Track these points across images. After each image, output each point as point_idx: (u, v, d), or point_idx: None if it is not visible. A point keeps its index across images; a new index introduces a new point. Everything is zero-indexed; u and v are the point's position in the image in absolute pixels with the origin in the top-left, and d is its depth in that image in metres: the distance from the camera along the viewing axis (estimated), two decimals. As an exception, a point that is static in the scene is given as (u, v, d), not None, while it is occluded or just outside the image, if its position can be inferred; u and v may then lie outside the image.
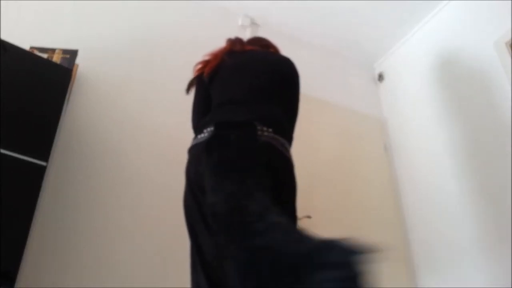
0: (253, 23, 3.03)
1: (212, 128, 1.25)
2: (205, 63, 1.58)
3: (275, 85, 1.43)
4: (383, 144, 3.02)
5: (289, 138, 1.35)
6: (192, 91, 1.63)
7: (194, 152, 1.34)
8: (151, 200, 2.03)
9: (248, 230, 0.93)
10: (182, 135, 2.29)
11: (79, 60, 2.06)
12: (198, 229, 1.29)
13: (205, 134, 1.27)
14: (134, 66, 2.37)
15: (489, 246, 2.10)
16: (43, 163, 1.45)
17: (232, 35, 2.96)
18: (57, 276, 1.67)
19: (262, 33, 3.03)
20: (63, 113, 1.69)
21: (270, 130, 1.22)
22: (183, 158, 2.21)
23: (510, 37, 2.22)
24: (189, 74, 2.53)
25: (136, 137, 2.15)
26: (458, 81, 2.55)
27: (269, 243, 0.86)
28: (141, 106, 2.26)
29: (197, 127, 1.40)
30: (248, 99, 1.36)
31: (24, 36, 2.03)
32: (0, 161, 1.35)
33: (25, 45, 1.85)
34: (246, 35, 2.94)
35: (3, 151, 1.37)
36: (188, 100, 2.42)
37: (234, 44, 1.64)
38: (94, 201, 1.89)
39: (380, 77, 3.35)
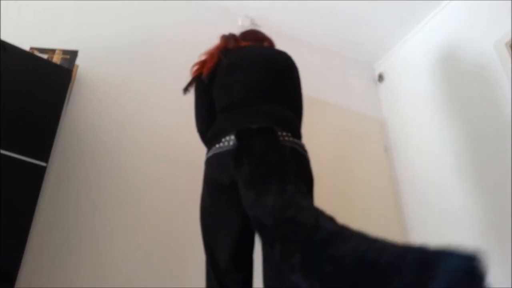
0: (253, 24, 3.03)
1: (231, 137, 1.20)
2: (202, 64, 1.55)
3: (274, 81, 1.40)
4: (383, 145, 3.02)
5: (301, 138, 1.34)
6: (189, 91, 1.61)
7: (215, 161, 1.27)
8: (151, 200, 2.03)
9: (314, 241, 0.85)
10: (182, 135, 2.30)
11: (79, 61, 2.06)
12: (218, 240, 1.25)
13: (224, 144, 1.22)
14: (134, 67, 2.37)
15: (489, 247, 2.09)
16: (43, 164, 1.45)
17: (232, 36, 2.96)
18: (57, 276, 1.67)
19: (262, 34, 3.04)
20: (63, 113, 1.69)
21: (290, 134, 1.21)
22: (183, 158, 2.22)
23: (510, 38, 2.22)
24: (189, 74, 2.54)
25: (136, 137, 2.15)
26: (458, 82, 2.55)
27: (349, 252, 0.76)
28: (141, 106, 2.26)
29: (207, 135, 1.36)
30: (250, 100, 1.33)
31: (24, 37, 2.03)
32: (0, 161, 1.35)
33: (25, 46, 1.85)
34: (246, 36, 2.94)
35: (3, 151, 1.37)
36: (188, 100, 2.43)
37: (229, 41, 1.60)
38: (94, 202, 1.89)
39: (380, 78, 3.35)
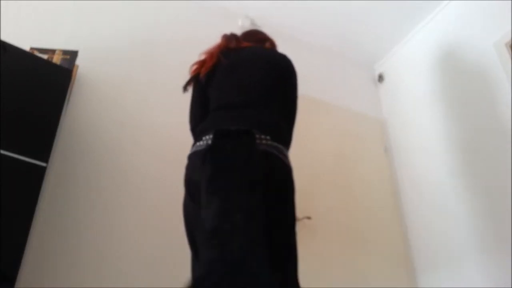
0: (253, 24, 3.03)
1: (211, 136, 1.23)
2: (201, 63, 1.56)
3: (271, 83, 1.41)
4: (383, 145, 3.02)
5: (287, 142, 1.34)
6: (189, 91, 1.62)
7: (193, 159, 1.33)
8: (151, 200, 2.03)
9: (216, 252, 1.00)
10: (182, 135, 2.30)
11: (79, 61, 2.07)
12: (196, 236, 1.28)
13: (203, 142, 1.26)
14: (134, 67, 2.37)
15: (489, 247, 2.09)
16: (43, 164, 1.45)
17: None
18: (57, 276, 1.67)
19: (262, 34, 3.04)
20: (63, 113, 1.69)
21: (268, 137, 1.21)
22: (183, 158, 2.22)
23: (510, 38, 2.22)
24: (188, 75, 2.54)
25: (136, 137, 2.16)
26: (458, 82, 2.55)
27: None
28: (141, 106, 2.26)
29: (196, 133, 1.39)
30: (245, 102, 1.34)
31: (24, 37, 2.03)
32: (0, 161, 1.36)
33: (25, 46, 1.85)
34: (246, 36, 2.94)
35: (3, 152, 1.37)
36: (188, 100, 2.43)
37: (230, 41, 1.60)
38: (94, 202, 1.89)
39: (380, 78, 3.35)
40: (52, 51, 1.92)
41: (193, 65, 1.60)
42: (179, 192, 2.12)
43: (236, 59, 1.49)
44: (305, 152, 2.60)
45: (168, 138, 2.25)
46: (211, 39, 2.91)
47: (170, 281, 1.87)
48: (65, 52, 1.93)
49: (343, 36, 3.18)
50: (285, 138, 1.33)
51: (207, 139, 1.24)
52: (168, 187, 2.10)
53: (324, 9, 2.92)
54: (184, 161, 2.20)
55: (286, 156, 1.26)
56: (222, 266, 0.99)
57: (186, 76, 2.73)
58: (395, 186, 2.86)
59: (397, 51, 3.22)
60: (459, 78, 2.55)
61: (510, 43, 2.22)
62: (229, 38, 1.61)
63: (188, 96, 2.58)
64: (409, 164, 2.82)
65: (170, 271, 1.90)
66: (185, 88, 1.61)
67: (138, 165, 2.09)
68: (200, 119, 1.45)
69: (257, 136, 1.19)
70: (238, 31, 2.94)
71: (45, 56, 1.82)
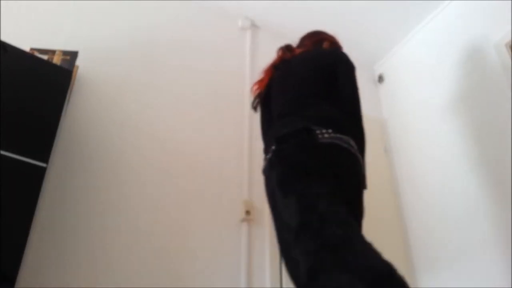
0: (253, 25, 3.03)
1: (274, 146, 1.28)
2: (260, 81, 1.63)
3: (320, 82, 1.43)
4: (383, 145, 3.02)
5: (354, 133, 1.31)
6: (257, 111, 1.72)
7: (265, 173, 1.38)
8: (151, 201, 2.03)
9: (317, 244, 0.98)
10: (182, 136, 2.30)
11: (79, 62, 2.07)
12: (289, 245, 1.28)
13: (269, 154, 1.31)
14: (134, 67, 2.37)
15: (488, 247, 2.09)
16: (43, 165, 1.45)
17: (232, 37, 2.98)
18: (57, 276, 1.67)
19: (262, 35, 3.04)
20: (63, 114, 1.69)
21: (330, 131, 1.22)
22: (184, 159, 2.23)
23: (510, 38, 2.22)
24: (189, 75, 2.56)
25: (136, 137, 2.16)
26: (458, 83, 2.55)
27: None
28: (141, 107, 2.26)
29: (264, 147, 1.45)
30: (297, 107, 1.38)
31: (24, 38, 2.03)
32: (0, 162, 1.36)
33: (25, 47, 1.86)
34: (246, 37, 2.95)
35: (3, 152, 1.38)
36: (188, 101, 2.44)
37: (284, 53, 1.65)
38: (94, 202, 1.89)
39: (380, 79, 3.35)
40: (52, 52, 1.92)
41: (254, 84, 1.67)
42: (179, 192, 2.13)
43: (286, 69, 1.55)
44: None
45: (169, 139, 2.25)
46: (212, 40, 2.93)
47: (170, 281, 1.87)
48: (65, 53, 1.94)
49: (342, 36, 3.14)
50: (350, 129, 1.31)
51: (272, 150, 1.30)
52: (168, 188, 2.11)
53: (324, 9, 2.92)
54: (184, 162, 2.22)
55: (352, 146, 1.26)
56: (326, 253, 0.96)
57: (186, 76, 2.75)
58: (395, 186, 2.86)
59: (397, 51, 3.22)
60: (459, 78, 2.55)
61: (510, 43, 2.22)
62: (284, 51, 1.67)
63: (188, 97, 2.59)
64: (409, 165, 2.81)
65: (170, 271, 1.90)
66: (254, 108, 1.68)
67: (139, 166, 2.09)
68: (268, 129, 1.52)
69: (318, 131, 1.21)
70: (238, 32, 2.97)
71: (45, 57, 1.82)
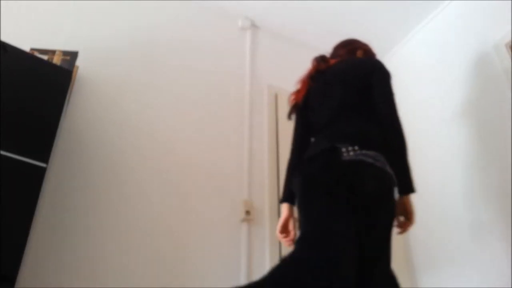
0: (253, 25, 3.03)
1: (305, 164, 1.39)
2: (297, 92, 1.66)
3: (354, 94, 1.45)
4: (383, 145, 3.02)
5: (387, 147, 1.34)
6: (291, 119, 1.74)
7: (296, 181, 1.43)
8: (151, 201, 2.03)
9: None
10: (182, 136, 2.30)
11: (79, 62, 2.07)
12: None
13: (302, 169, 1.40)
14: (134, 68, 2.37)
15: (488, 247, 2.09)
16: (43, 165, 1.45)
17: (232, 37, 2.98)
18: (57, 277, 1.68)
19: (262, 35, 3.05)
20: (63, 114, 1.69)
21: (356, 147, 1.27)
22: (184, 159, 2.23)
23: (510, 39, 2.22)
24: (189, 75, 2.56)
25: (136, 138, 2.16)
26: (458, 83, 2.55)
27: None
28: (141, 107, 2.27)
29: (298, 155, 1.52)
30: (331, 120, 1.42)
31: (24, 38, 2.03)
32: (0, 162, 1.36)
33: (25, 47, 1.86)
34: (246, 37, 2.95)
35: (3, 152, 1.38)
36: (188, 101, 2.44)
37: (319, 64, 1.66)
38: (94, 203, 1.89)
39: (380, 78, 3.35)
40: (52, 52, 1.92)
41: (291, 95, 1.70)
42: (179, 192, 2.13)
43: (322, 81, 1.58)
44: (305, 153, 2.60)
45: (169, 140, 2.25)
46: (212, 40, 2.93)
47: (170, 281, 1.87)
48: (65, 53, 1.94)
49: (342, 36, 3.16)
50: (380, 144, 1.34)
51: (303, 168, 1.39)
52: (168, 188, 2.11)
53: (324, 9, 2.92)
54: (184, 162, 2.22)
55: (378, 161, 1.28)
56: (307, 266, 1.07)
57: (186, 77, 2.75)
58: (395, 186, 2.85)
59: (397, 51, 3.22)
60: (459, 78, 2.55)
61: (510, 43, 2.22)
62: (318, 61, 1.68)
63: (188, 97, 2.59)
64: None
65: (170, 271, 1.90)
66: (289, 117, 1.71)
67: (139, 166, 2.09)
68: (297, 144, 1.58)
69: (344, 149, 1.27)
70: (238, 32, 2.97)
71: (45, 57, 1.83)
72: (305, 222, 1.24)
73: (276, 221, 2.27)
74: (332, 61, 1.66)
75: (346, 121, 1.39)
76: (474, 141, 2.34)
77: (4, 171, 1.36)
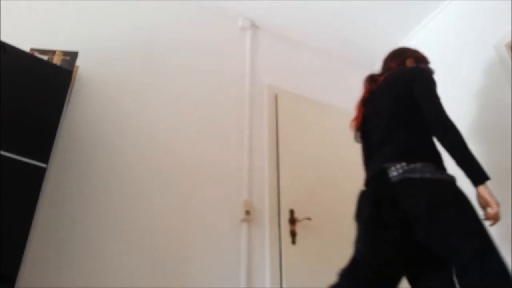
0: (253, 25, 3.03)
1: (364, 188, 1.51)
2: (354, 119, 1.73)
3: (399, 109, 1.48)
4: (383, 145, 3.02)
5: (431, 155, 1.39)
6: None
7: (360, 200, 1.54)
8: (151, 201, 2.03)
9: None
10: (182, 136, 2.30)
11: (79, 62, 2.07)
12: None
13: (364, 191, 1.51)
14: (134, 68, 2.37)
15: (489, 248, 2.09)
16: (43, 165, 1.45)
17: (232, 37, 2.98)
18: (57, 277, 1.68)
19: (262, 35, 3.05)
20: (63, 114, 1.69)
21: (404, 164, 1.33)
22: (184, 159, 2.23)
23: (510, 39, 2.22)
24: (189, 75, 2.56)
25: (136, 138, 2.16)
26: (458, 83, 2.55)
27: None
28: (141, 107, 2.27)
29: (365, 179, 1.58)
30: (381, 141, 1.48)
31: (24, 38, 2.04)
32: (0, 162, 1.36)
33: (25, 47, 1.86)
34: (246, 37, 2.95)
35: (3, 152, 1.38)
36: (188, 101, 2.44)
37: (370, 85, 1.70)
38: (94, 203, 1.89)
39: (380, 78, 3.35)
40: (52, 52, 1.92)
41: (352, 121, 1.76)
42: (178, 193, 2.13)
43: (372, 103, 1.63)
44: (305, 153, 2.60)
45: (169, 140, 2.25)
46: (212, 41, 2.93)
47: (170, 281, 1.88)
48: (65, 53, 1.94)
49: (342, 36, 3.18)
50: (427, 152, 1.39)
51: (363, 191, 1.51)
52: (168, 188, 2.11)
53: (324, 9, 2.92)
54: (183, 163, 2.22)
55: (427, 172, 1.32)
56: None
57: (186, 77, 2.75)
58: (395, 186, 2.85)
59: (397, 51, 3.22)
60: (459, 78, 2.55)
61: (510, 43, 2.22)
62: (369, 82, 1.72)
63: (189, 98, 2.59)
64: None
65: (170, 271, 1.90)
66: (356, 141, 1.77)
67: (138, 166, 2.09)
68: (366, 163, 1.65)
69: (393, 168, 1.35)
70: (238, 32, 2.97)
71: (45, 57, 1.83)
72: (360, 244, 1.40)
73: (276, 221, 2.27)
74: (381, 79, 1.67)
75: (394, 138, 1.44)
76: (474, 141, 2.34)
77: (4, 171, 1.36)
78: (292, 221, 2.30)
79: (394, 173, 1.34)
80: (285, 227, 2.27)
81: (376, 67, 3.41)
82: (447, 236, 1.24)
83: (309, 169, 2.56)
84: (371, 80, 1.71)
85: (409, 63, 1.69)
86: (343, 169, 2.72)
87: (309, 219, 2.33)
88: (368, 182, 1.48)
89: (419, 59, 1.72)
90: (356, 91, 3.25)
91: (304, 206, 2.39)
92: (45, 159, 1.47)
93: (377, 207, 1.36)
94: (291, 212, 2.33)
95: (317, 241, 2.32)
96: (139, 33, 2.51)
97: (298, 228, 2.30)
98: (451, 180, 1.33)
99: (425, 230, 1.27)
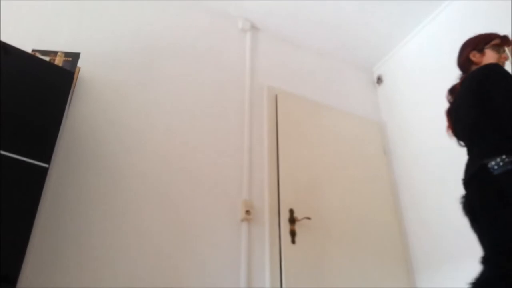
0: (253, 27, 3.04)
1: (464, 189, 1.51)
2: (448, 129, 1.77)
3: (477, 111, 1.49)
4: (382, 147, 3.03)
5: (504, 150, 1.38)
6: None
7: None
8: (151, 203, 2.04)
9: None
10: (183, 139, 2.31)
11: (81, 63, 2.08)
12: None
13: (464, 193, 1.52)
14: (136, 69, 2.38)
15: (487, 248, 2.10)
16: (45, 165, 1.46)
17: (232, 38, 2.99)
18: (58, 277, 1.68)
19: (262, 36, 3.06)
20: (64, 115, 1.70)
21: (504, 156, 1.33)
22: (184, 160, 2.24)
23: (510, 39, 2.23)
24: (189, 77, 2.57)
25: (137, 139, 2.17)
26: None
27: None
28: (142, 108, 2.28)
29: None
30: (470, 144, 1.52)
31: (26, 39, 2.05)
32: (2, 162, 1.37)
33: (27, 48, 1.87)
34: (246, 38, 2.96)
35: (5, 153, 1.39)
36: (188, 102, 2.45)
37: (451, 96, 1.76)
38: (96, 203, 1.90)
39: (379, 80, 3.36)
40: (54, 53, 1.93)
41: (447, 128, 1.79)
42: (179, 194, 2.14)
43: (454, 112, 1.68)
44: (305, 154, 2.61)
45: (169, 141, 2.26)
46: (212, 42, 2.93)
47: (171, 281, 1.88)
48: (67, 54, 1.95)
49: (341, 38, 3.19)
50: (505, 146, 1.38)
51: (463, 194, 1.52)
52: (169, 190, 2.12)
53: (323, 11, 2.94)
54: (184, 165, 2.23)
55: (503, 166, 1.33)
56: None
57: (187, 78, 2.76)
58: (394, 188, 2.87)
59: (396, 53, 3.24)
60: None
61: (509, 44, 2.23)
62: (450, 93, 1.79)
63: (189, 99, 2.60)
64: (408, 166, 2.82)
65: (170, 271, 1.91)
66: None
67: (139, 167, 2.10)
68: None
69: (493, 162, 1.34)
70: (238, 34, 2.98)
71: (47, 58, 1.83)
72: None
73: (276, 221, 2.28)
74: (458, 86, 1.73)
75: (480, 138, 1.46)
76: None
77: (7, 171, 1.37)
78: (292, 220, 2.31)
79: (496, 167, 1.34)
80: (285, 226, 2.28)
81: (375, 69, 3.44)
82: None
83: (309, 169, 2.57)
84: (451, 92, 1.78)
85: (472, 56, 1.69)
86: (343, 169, 2.73)
87: (308, 218, 2.34)
88: (467, 186, 1.48)
89: (482, 43, 1.68)
90: (355, 92, 3.27)
91: (304, 205, 2.40)
92: (47, 159, 1.47)
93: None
94: (291, 211, 2.34)
95: (316, 241, 2.33)
96: (140, 35, 2.52)
97: (298, 227, 2.31)
98: None
99: None
